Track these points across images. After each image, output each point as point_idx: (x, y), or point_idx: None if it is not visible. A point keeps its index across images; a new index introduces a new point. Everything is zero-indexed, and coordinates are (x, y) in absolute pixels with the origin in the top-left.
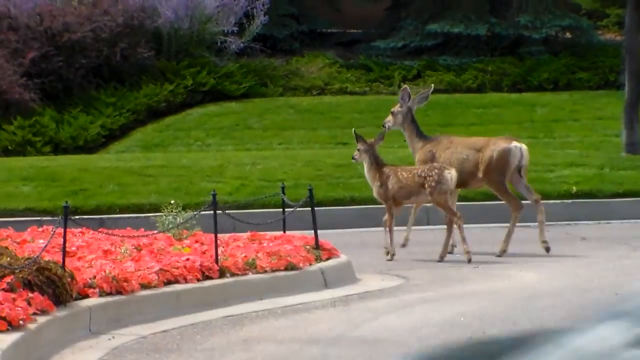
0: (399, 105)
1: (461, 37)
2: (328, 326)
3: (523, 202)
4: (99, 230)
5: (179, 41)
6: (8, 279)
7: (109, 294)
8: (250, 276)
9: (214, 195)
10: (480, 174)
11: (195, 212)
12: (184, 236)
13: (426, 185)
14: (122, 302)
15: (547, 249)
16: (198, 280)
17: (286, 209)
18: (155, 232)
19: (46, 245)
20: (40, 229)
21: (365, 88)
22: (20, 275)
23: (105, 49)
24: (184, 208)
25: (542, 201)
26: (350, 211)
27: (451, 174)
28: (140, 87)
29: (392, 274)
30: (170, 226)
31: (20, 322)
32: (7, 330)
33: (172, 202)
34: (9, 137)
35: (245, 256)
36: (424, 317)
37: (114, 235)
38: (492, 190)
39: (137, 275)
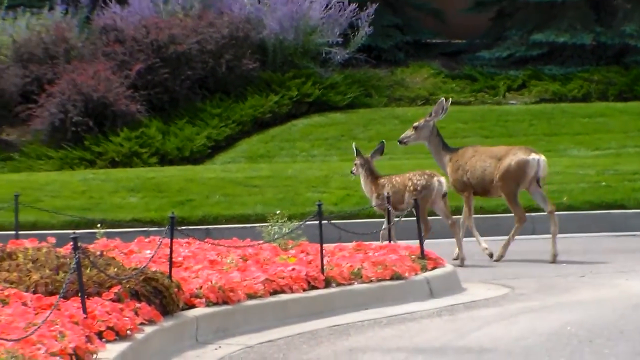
0: (424, 119)
1: (566, 47)
2: (434, 336)
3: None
4: (205, 240)
5: (284, 52)
6: (115, 289)
7: (216, 304)
8: (356, 286)
9: (320, 206)
10: (496, 180)
11: (300, 222)
12: (290, 246)
13: (412, 189)
14: (229, 312)
15: (554, 260)
16: (304, 290)
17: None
18: (261, 242)
19: (153, 256)
20: (147, 240)
21: (470, 98)
22: (128, 286)
23: (211, 61)
24: (290, 218)
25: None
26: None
27: (440, 181)
28: (246, 98)
29: (497, 283)
30: (276, 236)
31: (128, 332)
32: (115, 340)
33: (278, 212)
34: (116, 148)
35: (351, 266)
36: (530, 326)
37: (220, 245)
38: (503, 197)
39: (243, 285)
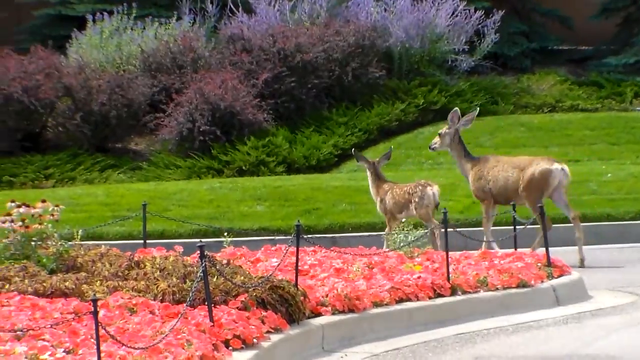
0: (447, 127)
1: None
2: (560, 344)
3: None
4: (331, 248)
5: (410, 60)
6: (242, 298)
7: (341, 312)
8: (482, 294)
9: (445, 213)
10: (520, 190)
11: (426, 230)
12: (416, 254)
13: (412, 201)
14: (355, 320)
15: (582, 265)
16: (429, 298)
17: (517, 227)
18: (387, 250)
19: (279, 264)
20: (273, 248)
21: (597, 105)
22: (254, 294)
23: (337, 69)
24: (415, 226)
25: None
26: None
27: (433, 190)
28: (372, 107)
29: (625, 291)
30: (402, 244)
31: (254, 340)
32: (242, 348)
33: (404, 220)
34: (243, 157)
35: (477, 274)
36: None
37: (346, 253)
38: (528, 206)
39: (369, 293)
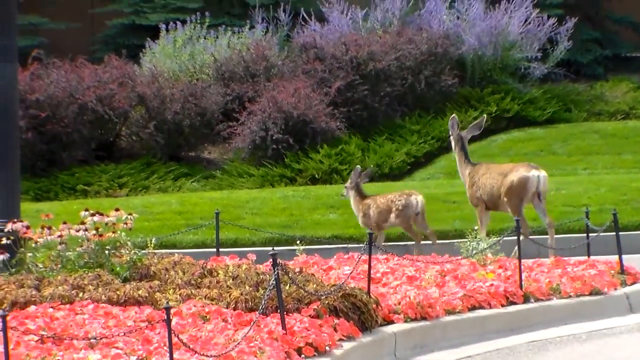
0: (450, 133)
1: None
2: (634, 351)
3: None
4: (404, 256)
5: (482, 68)
6: (315, 305)
7: (414, 319)
8: (555, 301)
9: (517, 221)
10: (502, 196)
11: (498, 238)
12: (488, 262)
13: (393, 209)
14: (427, 327)
15: None
16: (502, 305)
17: (590, 234)
18: (459, 257)
19: (352, 272)
20: (345, 256)
21: None
22: (327, 302)
23: (410, 77)
24: (488, 234)
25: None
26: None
27: (417, 199)
28: (445, 114)
29: None
30: (474, 252)
31: (327, 348)
32: (314, 356)
33: (476, 228)
34: (316, 165)
35: (550, 281)
36: None
37: (418, 261)
38: (509, 211)
39: (442, 301)
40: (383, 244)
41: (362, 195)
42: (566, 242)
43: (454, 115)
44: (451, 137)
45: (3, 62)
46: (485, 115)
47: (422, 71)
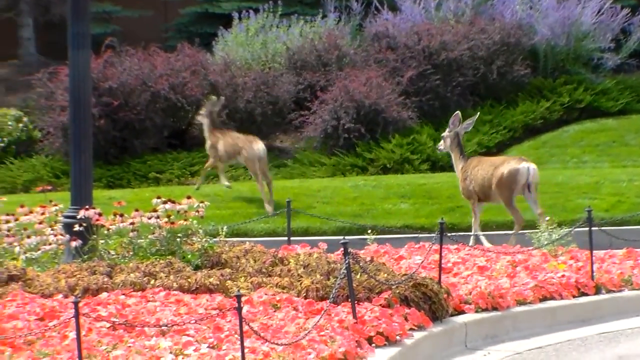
0: (448, 129)
1: None
2: None
3: None
4: (475, 246)
5: (555, 58)
6: (385, 295)
7: (484, 309)
8: (626, 292)
9: (589, 212)
10: (493, 188)
11: (570, 229)
12: (559, 252)
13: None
14: (497, 318)
15: None
16: (573, 296)
17: None
18: (531, 248)
19: (422, 262)
20: (416, 246)
21: None
22: (397, 291)
23: (482, 67)
24: (560, 224)
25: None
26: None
27: (258, 146)
28: (517, 105)
29: None
30: (546, 242)
31: (397, 337)
32: (385, 345)
33: (547, 218)
34: (388, 155)
35: (621, 273)
36: None
37: (489, 251)
38: (502, 203)
39: (513, 292)
40: (453, 234)
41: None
42: (638, 233)
43: (457, 112)
44: (447, 133)
45: (77, 49)
46: (479, 114)
47: (494, 61)
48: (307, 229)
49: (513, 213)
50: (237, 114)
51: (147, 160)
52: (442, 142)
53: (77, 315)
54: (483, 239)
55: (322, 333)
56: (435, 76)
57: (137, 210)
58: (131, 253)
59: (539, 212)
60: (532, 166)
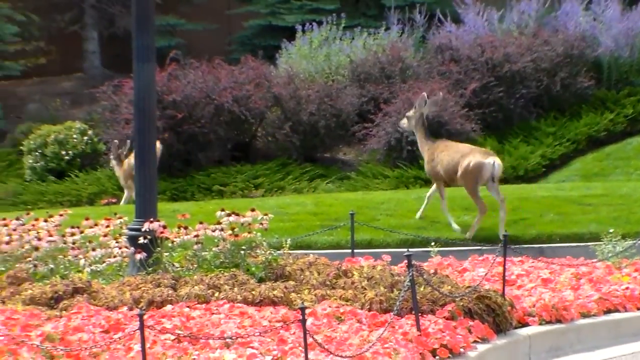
0: (413, 110)
1: None
2: None
3: None
4: (539, 259)
5: (618, 70)
6: (449, 307)
7: (548, 322)
8: None
9: None
10: (458, 177)
11: (634, 241)
12: (623, 265)
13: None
14: (561, 330)
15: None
16: (638, 309)
17: None
18: (595, 260)
19: (486, 274)
20: (480, 258)
21: None
22: (461, 304)
23: (545, 79)
24: (624, 237)
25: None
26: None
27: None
28: (580, 117)
29: None
30: (610, 255)
31: (461, 349)
32: (448, 357)
33: (612, 230)
34: None
35: None
36: None
37: (553, 264)
38: (466, 191)
39: (576, 304)
40: (517, 246)
41: None
42: None
43: (423, 93)
44: (412, 113)
45: (141, 62)
46: (441, 94)
47: (557, 73)
48: (371, 241)
49: (477, 202)
50: (301, 126)
51: (211, 173)
52: (405, 121)
53: (142, 328)
54: (452, 220)
55: (386, 345)
56: (498, 88)
57: (201, 222)
58: (195, 265)
59: (501, 198)
60: (497, 161)
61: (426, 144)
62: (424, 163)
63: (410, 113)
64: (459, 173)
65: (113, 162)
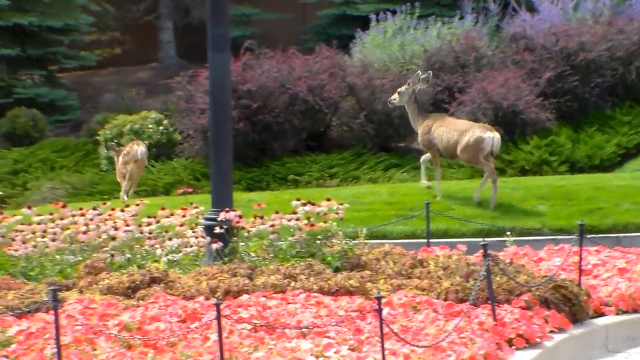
0: (406, 86)
1: None
2: None
3: None
4: (615, 248)
5: None
6: (525, 297)
7: (625, 312)
8: None
9: None
10: (459, 152)
11: None
12: None
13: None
14: (638, 320)
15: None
16: None
17: None
18: None
19: (562, 264)
20: (556, 248)
21: None
22: (537, 293)
23: (620, 68)
24: None
25: None
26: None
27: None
28: None
29: None
30: None
31: (538, 339)
32: (525, 347)
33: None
34: (526, 156)
35: None
36: None
37: (630, 253)
38: (468, 163)
39: None
40: (593, 236)
41: None
42: None
43: (418, 72)
44: (405, 89)
45: (216, 52)
46: (430, 72)
47: (632, 62)
48: (446, 231)
49: (483, 166)
50: (375, 116)
51: (286, 163)
52: (396, 96)
53: (218, 317)
54: (425, 182)
55: (462, 335)
56: (573, 77)
57: (276, 212)
58: (271, 255)
59: (494, 174)
60: (497, 135)
61: (419, 118)
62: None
63: (403, 89)
64: (459, 149)
65: (112, 154)
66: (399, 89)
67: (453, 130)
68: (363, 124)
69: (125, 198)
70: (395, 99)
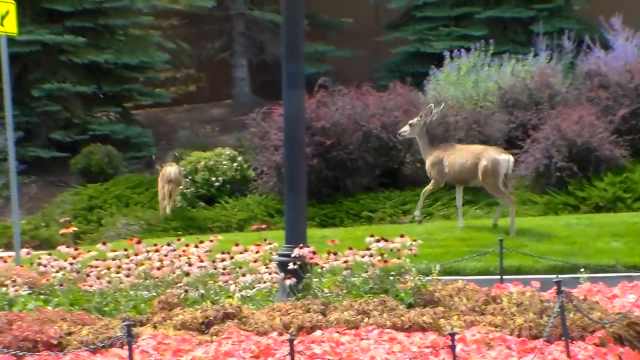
0: (418, 118)
1: None
2: None
3: None
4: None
5: None
6: (599, 334)
7: None
8: None
9: None
10: (480, 178)
11: None
12: None
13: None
14: None
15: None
16: None
17: None
18: None
19: (636, 300)
20: (630, 285)
21: None
22: (611, 330)
23: None
24: None
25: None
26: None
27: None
28: None
29: None
30: None
31: None
32: None
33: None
34: (600, 193)
35: None
36: None
37: None
38: (489, 190)
39: None
40: None
41: None
42: None
43: (431, 104)
44: (417, 121)
45: (291, 89)
46: (443, 104)
47: None
48: (519, 268)
49: (501, 196)
50: None
51: (360, 199)
52: (407, 127)
53: (292, 353)
54: (419, 214)
55: None
56: None
57: (350, 248)
58: (344, 291)
59: (509, 191)
60: (511, 158)
61: (430, 149)
62: (426, 166)
63: (414, 121)
64: (480, 175)
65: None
66: (410, 121)
67: (466, 154)
68: None
69: (168, 212)
70: (405, 131)
